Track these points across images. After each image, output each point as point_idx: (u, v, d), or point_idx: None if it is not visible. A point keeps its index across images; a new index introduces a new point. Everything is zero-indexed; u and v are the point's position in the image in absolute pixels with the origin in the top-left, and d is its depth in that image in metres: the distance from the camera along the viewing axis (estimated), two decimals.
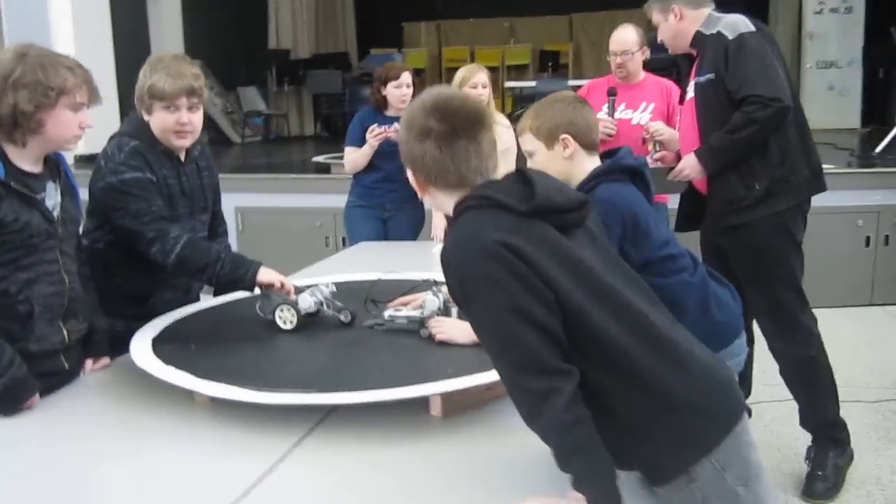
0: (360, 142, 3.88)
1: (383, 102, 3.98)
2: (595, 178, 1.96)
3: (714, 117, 2.83)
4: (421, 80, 4.00)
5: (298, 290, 2.20)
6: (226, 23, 8.87)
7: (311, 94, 10.08)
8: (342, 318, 2.17)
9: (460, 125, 1.40)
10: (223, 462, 1.60)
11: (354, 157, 3.94)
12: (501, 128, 3.74)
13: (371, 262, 3.29)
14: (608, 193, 1.91)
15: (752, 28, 2.78)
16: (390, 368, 1.87)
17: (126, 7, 7.56)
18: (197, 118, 2.26)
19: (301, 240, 5.37)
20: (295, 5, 10.22)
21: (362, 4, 11.77)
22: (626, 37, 3.72)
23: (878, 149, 5.84)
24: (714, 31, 2.81)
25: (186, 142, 2.29)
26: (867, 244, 5.06)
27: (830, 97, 9.04)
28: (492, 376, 1.74)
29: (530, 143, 2.01)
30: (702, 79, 2.87)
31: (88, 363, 2.04)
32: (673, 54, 3.16)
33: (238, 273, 2.17)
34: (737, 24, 2.80)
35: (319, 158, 6.20)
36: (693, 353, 1.35)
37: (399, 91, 3.87)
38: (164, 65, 2.20)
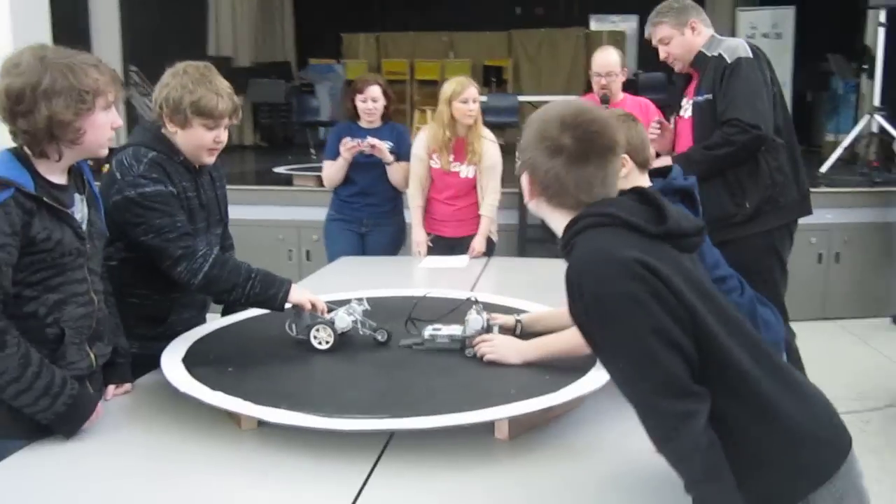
0: (337, 155, 3.81)
1: (356, 114, 3.92)
2: None
3: (708, 136, 2.91)
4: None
5: (329, 308, 2.12)
6: (166, 28, 8.57)
7: (251, 104, 9.83)
8: (379, 337, 2.10)
9: (594, 150, 1.36)
10: (298, 492, 1.51)
11: (330, 172, 3.86)
12: (488, 142, 3.74)
13: (358, 278, 3.22)
14: None
15: (749, 54, 2.88)
16: (449, 391, 1.81)
17: (66, 7, 7.22)
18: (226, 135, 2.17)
19: (263, 253, 5.18)
20: (235, 13, 9.98)
21: (302, 14, 11.63)
22: (609, 59, 3.81)
23: (823, 169, 6.09)
24: (716, 54, 2.90)
25: (214, 158, 2.19)
26: (819, 261, 5.27)
27: None
28: (560, 398, 1.73)
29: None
30: (700, 99, 2.96)
31: (110, 389, 1.91)
32: (673, 71, 3.24)
33: (269, 293, 2.07)
34: (736, 48, 2.91)
35: (281, 169, 6.05)
36: (802, 380, 1.35)
37: (365, 105, 3.81)
38: (206, 80, 2.07)
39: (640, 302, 1.22)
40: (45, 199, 1.65)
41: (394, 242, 4.00)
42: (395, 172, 3.79)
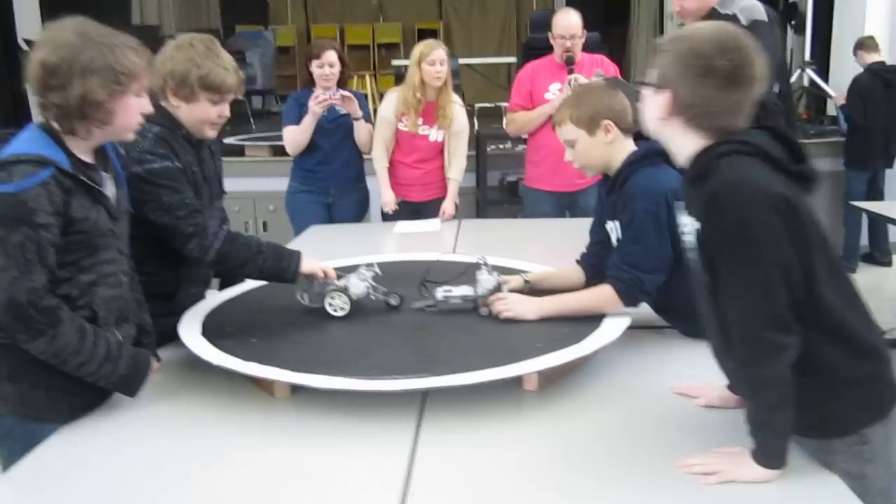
0: (299, 121, 3.76)
1: (311, 80, 3.87)
2: (633, 163, 2.01)
3: None
4: (341, 58, 3.85)
5: (339, 275, 2.14)
6: None
7: None
8: (392, 301, 2.13)
9: (746, 76, 1.39)
10: (352, 454, 1.55)
11: (295, 135, 3.79)
12: (457, 106, 3.76)
13: (334, 247, 3.21)
14: (647, 179, 1.96)
15: (765, 17, 2.92)
16: (476, 348, 1.87)
17: None
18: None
19: None
20: None
21: None
22: (572, 21, 3.87)
23: None
24: (730, 13, 2.92)
25: (216, 133, 2.16)
26: None
27: None
28: (586, 348, 1.81)
29: (571, 132, 2.04)
30: None
31: None
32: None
33: (281, 265, 2.06)
34: (753, 10, 2.93)
35: (231, 140, 5.93)
36: (876, 325, 1.46)
37: (321, 70, 3.75)
38: (213, 54, 2.04)
39: (775, 235, 1.31)
40: (82, 178, 1.63)
41: (360, 210, 4.01)
42: (361, 129, 3.79)
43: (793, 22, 7.02)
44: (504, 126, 4.40)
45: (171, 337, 1.99)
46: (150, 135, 2.02)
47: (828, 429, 1.43)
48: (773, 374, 1.33)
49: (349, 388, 1.66)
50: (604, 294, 2.00)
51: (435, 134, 3.76)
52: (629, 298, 1.98)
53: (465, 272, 2.22)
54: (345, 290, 2.08)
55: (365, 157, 3.93)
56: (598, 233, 2.18)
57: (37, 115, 1.68)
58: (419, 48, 3.67)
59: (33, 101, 1.66)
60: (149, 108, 1.73)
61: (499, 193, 4.99)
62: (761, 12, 2.94)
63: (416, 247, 3.13)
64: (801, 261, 1.34)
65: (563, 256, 2.36)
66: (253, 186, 5.18)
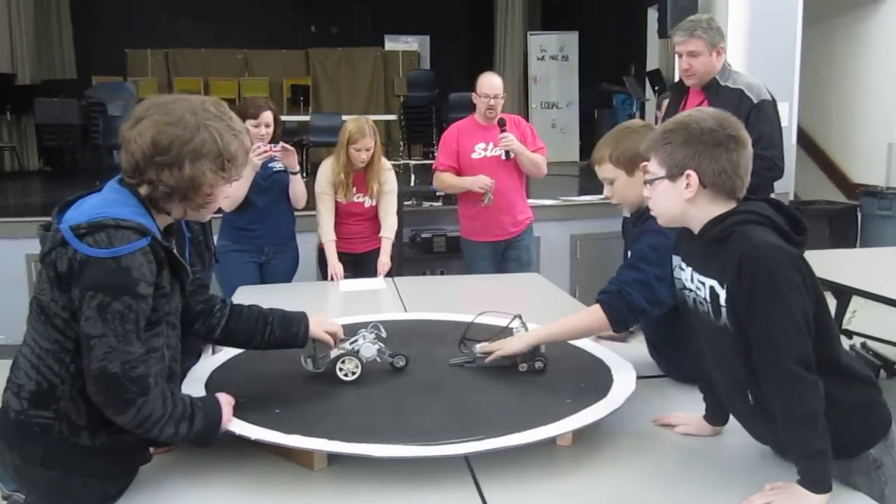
0: None
1: None
2: None
3: None
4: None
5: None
6: None
7: (35, 125, 8.97)
8: (398, 363, 2.11)
9: (742, 137, 1.62)
10: None
11: (233, 190, 3.69)
12: (385, 171, 3.89)
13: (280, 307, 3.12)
14: None
15: (769, 97, 3.19)
16: (507, 408, 1.89)
17: None
18: None
19: None
20: (13, 26, 9.04)
21: (80, 29, 10.76)
22: (496, 82, 4.13)
23: None
24: (735, 87, 3.16)
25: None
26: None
27: (553, 134, 10.23)
28: (616, 400, 1.88)
29: (610, 171, 2.15)
30: None
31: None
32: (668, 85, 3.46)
33: (290, 333, 1.99)
34: (760, 89, 3.18)
35: None
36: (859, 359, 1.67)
37: (258, 130, 3.71)
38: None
39: (798, 288, 1.50)
40: (174, 251, 1.56)
41: (292, 268, 3.95)
42: (297, 183, 3.79)
43: (656, 87, 7.64)
44: (432, 184, 4.52)
45: None
46: None
47: (839, 452, 1.56)
48: (815, 407, 1.48)
49: (398, 455, 1.64)
50: (591, 315, 2.07)
51: (369, 201, 3.90)
52: (616, 315, 2.03)
53: (504, 330, 2.21)
54: (356, 354, 2.04)
55: (297, 213, 3.91)
56: None
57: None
58: (348, 129, 3.77)
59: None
60: (229, 191, 1.70)
61: (413, 250, 5.04)
62: (766, 92, 3.18)
63: (365, 306, 3.11)
64: (813, 308, 1.53)
65: (509, 307, 2.36)
66: None
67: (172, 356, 1.70)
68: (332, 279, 3.75)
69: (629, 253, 2.17)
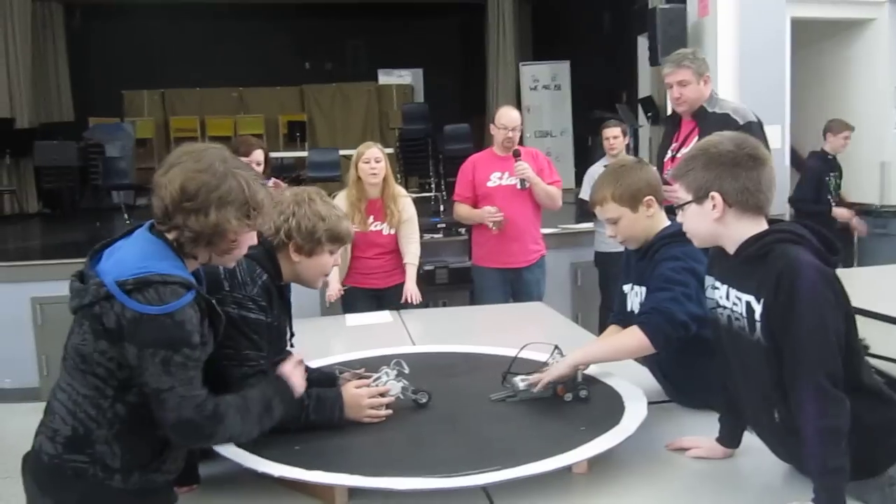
0: None
1: None
2: (665, 237, 2.17)
3: None
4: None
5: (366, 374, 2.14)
6: None
7: (34, 167, 9.02)
8: (421, 400, 2.13)
9: (761, 154, 1.69)
10: None
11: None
12: (402, 198, 3.92)
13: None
14: (684, 249, 2.09)
15: (755, 118, 3.32)
16: (523, 437, 1.93)
17: None
18: None
19: None
20: (10, 71, 9.14)
21: (77, 71, 10.89)
22: (515, 115, 4.27)
23: None
24: (721, 112, 3.30)
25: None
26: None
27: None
28: (629, 427, 1.91)
29: (614, 210, 2.20)
30: None
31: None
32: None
33: (325, 415, 1.98)
34: (746, 112, 3.33)
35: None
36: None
37: None
38: (330, 205, 2.09)
39: (833, 306, 1.57)
40: (213, 302, 1.61)
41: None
42: None
43: (649, 114, 7.73)
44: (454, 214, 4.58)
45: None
46: (260, 281, 1.95)
47: (859, 471, 1.61)
48: (840, 423, 1.53)
49: (418, 487, 1.67)
50: (631, 336, 2.10)
51: (387, 229, 3.88)
52: (655, 333, 2.06)
53: (545, 363, 2.22)
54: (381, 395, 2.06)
55: None
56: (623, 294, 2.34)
57: None
58: (358, 149, 3.87)
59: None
60: (255, 240, 1.74)
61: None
62: (752, 114, 3.33)
63: (372, 341, 3.12)
64: (844, 327, 1.59)
65: (515, 338, 2.42)
66: None
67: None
68: (328, 303, 3.78)
69: (640, 289, 2.22)
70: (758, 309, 1.63)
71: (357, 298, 3.87)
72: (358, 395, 2.04)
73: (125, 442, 1.54)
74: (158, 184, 1.58)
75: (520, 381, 2.16)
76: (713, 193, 1.69)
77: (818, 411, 1.53)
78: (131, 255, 1.55)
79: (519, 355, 2.26)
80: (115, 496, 1.54)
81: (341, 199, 3.85)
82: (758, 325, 1.63)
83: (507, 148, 4.17)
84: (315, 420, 1.96)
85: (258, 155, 3.85)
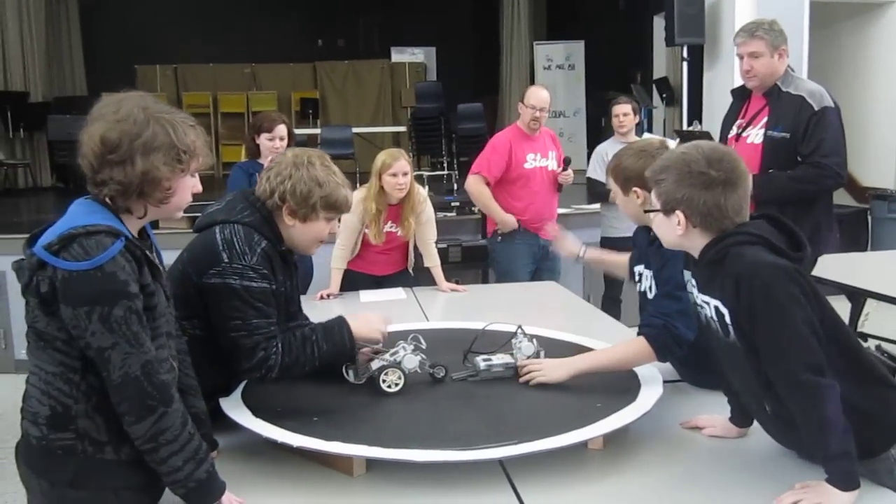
0: None
1: (257, 151, 3.89)
2: None
3: (780, 169, 3.05)
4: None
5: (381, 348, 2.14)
6: None
7: (48, 141, 9.05)
8: (438, 374, 2.15)
9: (737, 177, 1.65)
10: None
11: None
12: (423, 203, 3.79)
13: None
14: None
15: (832, 103, 3.04)
16: (542, 413, 1.95)
17: None
18: None
19: None
20: (24, 46, 9.14)
21: (91, 46, 10.89)
22: (545, 95, 4.25)
23: None
24: (796, 94, 3.03)
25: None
26: None
27: (561, 142, 10.20)
28: (645, 404, 1.92)
29: (611, 184, 2.22)
30: (776, 134, 3.06)
31: None
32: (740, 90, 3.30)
33: (335, 340, 1.98)
34: (822, 96, 3.04)
35: None
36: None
37: (272, 143, 3.80)
38: (331, 171, 2.01)
39: (796, 299, 1.56)
40: (147, 252, 1.54)
41: (305, 282, 3.93)
42: None
43: (664, 95, 7.69)
44: (467, 185, 4.48)
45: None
46: (258, 249, 1.92)
47: (860, 452, 1.60)
48: (832, 411, 1.52)
49: (435, 459, 1.69)
50: (637, 346, 2.11)
51: (402, 231, 3.76)
52: (661, 348, 2.08)
53: (505, 343, 2.23)
54: (398, 366, 2.06)
55: None
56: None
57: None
58: (381, 158, 3.61)
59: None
60: (199, 187, 1.65)
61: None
62: (829, 99, 3.03)
63: (392, 316, 3.12)
64: (819, 316, 1.58)
65: (531, 315, 2.46)
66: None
67: (181, 367, 1.71)
68: (321, 298, 3.63)
69: (649, 273, 2.21)
70: (726, 313, 1.65)
71: (358, 282, 3.78)
72: (365, 315, 2.07)
73: (106, 413, 1.50)
74: (81, 141, 1.52)
75: (481, 361, 2.16)
76: (678, 211, 1.68)
77: (807, 406, 1.54)
78: (60, 222, 1.50)
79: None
80: (109, 469, 1.53)
81: (356, 202, 3.55)
82: (730, 328, 1.65)
83: (534, 129, 4.18)
84: (328, 350, 1.96)
85: (281, 129, 3.83)
